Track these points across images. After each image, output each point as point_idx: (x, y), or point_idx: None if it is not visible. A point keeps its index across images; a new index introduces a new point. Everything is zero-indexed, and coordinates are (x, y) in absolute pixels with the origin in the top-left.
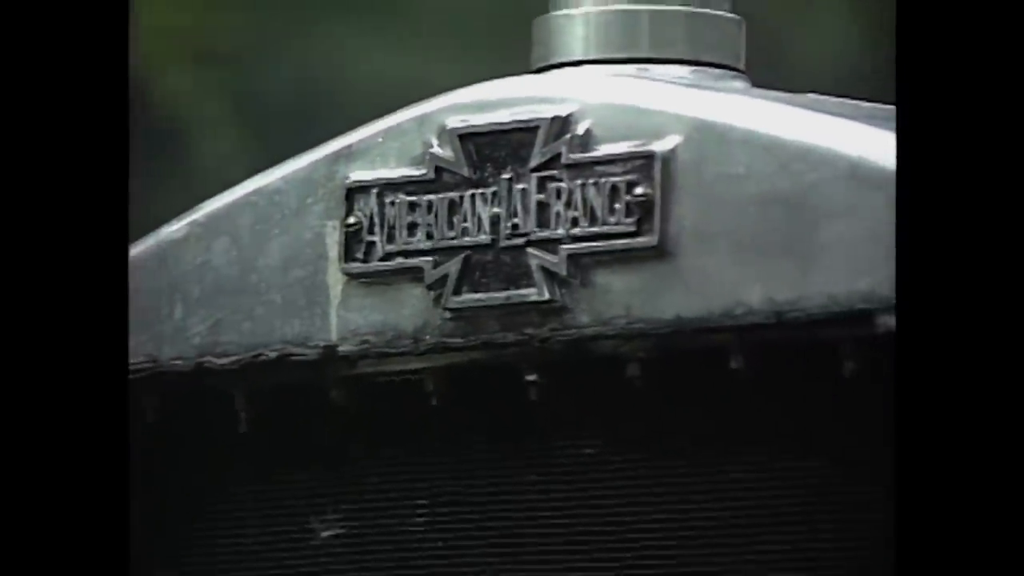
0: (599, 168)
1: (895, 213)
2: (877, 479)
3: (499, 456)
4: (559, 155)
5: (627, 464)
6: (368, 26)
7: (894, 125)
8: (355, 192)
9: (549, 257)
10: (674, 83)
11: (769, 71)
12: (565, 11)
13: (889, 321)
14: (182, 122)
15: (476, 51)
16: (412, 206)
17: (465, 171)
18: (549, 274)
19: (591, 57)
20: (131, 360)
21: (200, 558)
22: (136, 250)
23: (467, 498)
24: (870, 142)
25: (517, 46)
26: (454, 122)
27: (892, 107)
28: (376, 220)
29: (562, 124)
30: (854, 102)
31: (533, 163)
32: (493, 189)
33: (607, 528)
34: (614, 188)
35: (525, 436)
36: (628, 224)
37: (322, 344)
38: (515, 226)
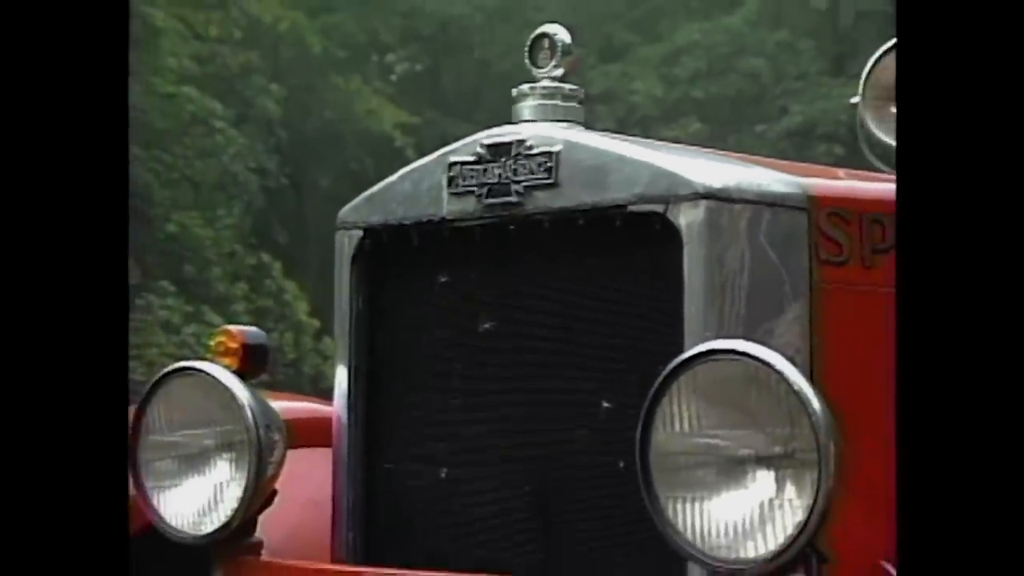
0: (534, 156)
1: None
2: (640, 279)
3: (500, 257)
4: (520, 152)
5: (549, 261)
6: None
7: (638, 141)
8: (452, 165)
9: (518, 187)
10: (559, 129)
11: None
12: (521, 104)
13: (636, 207)
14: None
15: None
16: (472, 170)
17: (488, 157)
18: (518, 192)
19: (531, 120)
20: (373, 222)
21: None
22: (383, 183)
23: (486, 272)
24: (627, 144)
25: (507, 115)
26: (485, 141)
27: (644, 138)
28: (460, 175)
29: (521, 142)
30: (621, 135)
31: (512, 154)
32: (498, 163)
33: (537, 284)
34: (538, 164)
35: (510, 251)
36: (544, 177)
37: (439, 216)
38: (507, 177)
